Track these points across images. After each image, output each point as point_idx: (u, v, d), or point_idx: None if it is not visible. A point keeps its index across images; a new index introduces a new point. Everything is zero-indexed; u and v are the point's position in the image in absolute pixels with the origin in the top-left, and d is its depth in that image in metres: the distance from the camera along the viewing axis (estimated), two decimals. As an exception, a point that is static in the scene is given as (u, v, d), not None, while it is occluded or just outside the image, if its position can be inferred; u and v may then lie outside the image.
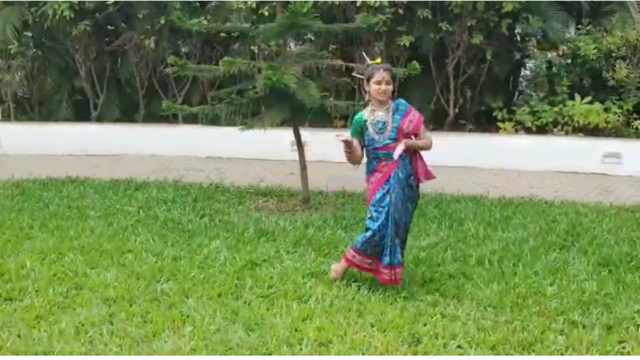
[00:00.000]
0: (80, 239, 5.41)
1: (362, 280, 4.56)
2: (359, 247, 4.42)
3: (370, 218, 4.38)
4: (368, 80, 4.36)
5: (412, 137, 4.34)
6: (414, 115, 4.41)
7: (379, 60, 4.62)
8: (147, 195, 6.83)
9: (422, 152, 4.43)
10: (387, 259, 4.32)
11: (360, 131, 4.38)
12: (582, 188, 7.31)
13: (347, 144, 4.23)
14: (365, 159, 4.48)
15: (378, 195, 4.34)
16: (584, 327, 3.86)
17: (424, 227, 5.76)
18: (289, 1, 7.42)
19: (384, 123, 4.33)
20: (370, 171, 4.44)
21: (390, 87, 4.35)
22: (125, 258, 4.99)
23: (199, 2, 9.42)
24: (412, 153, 4.37)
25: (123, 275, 4.63)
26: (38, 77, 10.10)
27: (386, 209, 4.31)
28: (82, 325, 3.88)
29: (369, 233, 4.36)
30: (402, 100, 4.47)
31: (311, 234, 5.59)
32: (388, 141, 4.31)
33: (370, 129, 4.34)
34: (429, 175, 4.44)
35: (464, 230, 5.68)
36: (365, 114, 4.39)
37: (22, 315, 4.00)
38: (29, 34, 9.41)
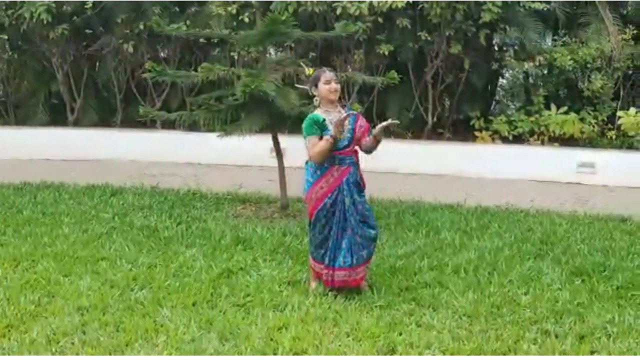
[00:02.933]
0: (54, 246, 5.33)
1: (338, 289, 4.55)
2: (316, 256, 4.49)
3: (315, 221, 4.42)
4: (316, 85, 4.43)
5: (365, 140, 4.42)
6: (363, 120, 4.54)
7: (312, 70, 4.74)
8: (123, 202, 6.76)
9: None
10: (327, 260, 4.39)
11: (320, 130, 4.33)
12: (557, 197, 7.39)
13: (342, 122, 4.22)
14: (310, 162, 4.44)
15: (328, 202, 4.38)
16: (557, 336, 3.90)
17: (401, 235, 5.78)
18: (269, 8, 7.46)
19: None
20: (320, 174, 4.41)
21: (339, 86, 4.44)
22: (99, 266, 4.93)
23: (178, 6, 9.37)
24: (358, 159, 4.50)
25: (97, 283, 4.57)
26: (14, 80, 9.96)
27: (336, 213, 4.37)
28: (54, 334, 3.82)
29: (314, 236, 4.45)
30: (351, 108, 4.61)
31: (289, 241, 5.58)
32: (346, 142, 4.40)
33: (332, 129, 4.29)
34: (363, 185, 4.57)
35: (440, 238, 5.71)
36: (319, 113, 4.40)
37: (-8, 324, 3.93)
38: (5, 36, 9.28)
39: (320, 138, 4.31)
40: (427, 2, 8.20)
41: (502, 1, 8.14)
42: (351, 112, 4.47)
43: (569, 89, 9.20)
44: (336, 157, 4.39)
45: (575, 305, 4.36)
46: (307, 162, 4.50)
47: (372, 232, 4.48)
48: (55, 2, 8.67)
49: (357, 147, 4.51)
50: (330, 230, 4.41)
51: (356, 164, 4.51)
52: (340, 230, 4.40)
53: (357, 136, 4.44)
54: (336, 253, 4.40)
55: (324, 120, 4.34)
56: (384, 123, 4.33)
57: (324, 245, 4.45)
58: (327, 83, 4.38)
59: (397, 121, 4.48)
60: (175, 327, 3.93)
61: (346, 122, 4.30)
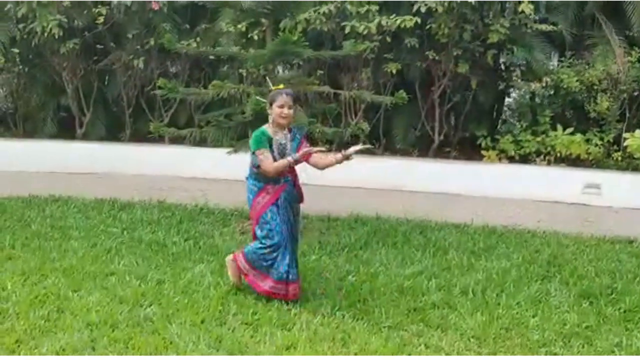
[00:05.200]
0: (62, 260, 5.36)
1: (347, 308, 4.57)
2: (248, 256, 4.68)
3: (264, 236, 4.58)
4: (271, 104, 4.60)
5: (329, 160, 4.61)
6: (305, 147, 4.64)
7: (281, 85, 4.88)
8: (131, 216, 6.79)
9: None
10: (281, 275, 4.57)
11: (267, 145, 4.54)
12: (563, 218, 7.40)
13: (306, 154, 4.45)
14: (249, 178, 4.70)
15: (268, 215, 4.57)
16: (565, 360, 3.91)
17: (409, 255, 5.79)
18: (278, 27, 7.54)
19: (285, 145, 4.60)
20: (257, 190, 4.63)
21: (292, 111, 4.59)
22: (108, 281, 4.96)
23: (188, 23, 9.47)
24: (294, 176, 4.71)
25: (106, 299, 4.60)
26: (23, 93, 10.01)
27: (277, 228, 4.56)
28: (64, 350, 3.85)
29: (259, 248, 4.61)
30: (300, 128, 4.78)
31: (296, 259, 5.59)
32: None
33: (275, 148, 4.56)
34: (301, 199, 4.81)
35: (448, 259, 5.72)
36: (268, 131, 4.58)
37: (2, 339, 3.95)
38: (16, 50, 9.36)
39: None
40: (435, 22, 8.26)
41: (510, 22, 8.21)
42: (302, 132, 4.74)
43: (575, 110, 9.22)
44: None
45: (583, 328, 4.37)
46: (247, 178, 4.71)
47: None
48: (66, 17, 8.77)
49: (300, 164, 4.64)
50: (278, 248, 4.58)
51: (292, 181, 4.70)
52: (290, 244, 4.63)
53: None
54: (291, 266, 4.60)
55: (271, 138, 4.55)
56: (358, 147, 4.49)
57: (267, 259, 4.59)
58: (280, 107, 4.56)
59: (369, 145, 4.62)
60: (184, 344, 3.95)
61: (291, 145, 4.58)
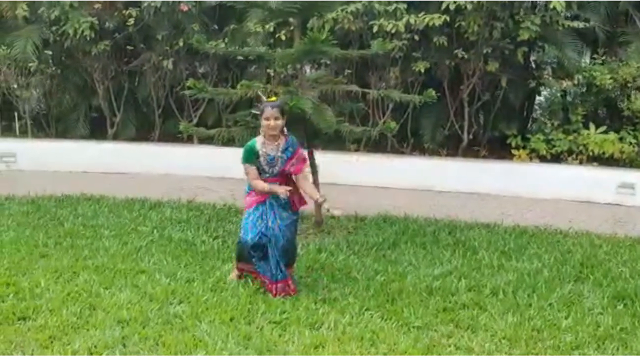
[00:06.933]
0: (94, 258, 5.44)
1: (375, 308, 4.54)
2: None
3: (244, 231, 4.83)
4: (260, 116, 4.78)
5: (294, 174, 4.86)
6: (299, 158, 4.88)
7: (274, 97, 5.07)
8: (161, 215, 6.86)
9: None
10: (270, 274, 4.79)
11: (253, 159, 4.80)
12: (596, 218, 7.25)
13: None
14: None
15: (254, 215, 4.81)
16: (599, 363, 3.83)
17: (437, 255, 5.74)
18: (306, 26, 7.53)
19: (274, 157, 4.79)
20: (249, 190, 4.93)
21: (279, 123, 4.74)
22: (138, 279, 5.01)
23: (217, 24, 9.53)
24: (289, 184, 4.83)
25: (136, 297, 4.65)
26: (56, 94, 10.20)
27: (260, 229, 4.78)
28: (95, 347, 3.90)
29: (239, 243, 4.92)
30: (293, 141, 4.87)
31: (324, 258, 5.59)
32: (275, 171, 4.80)
33: (262, 160, 4.78)
34: (302, 202, 4.98)
35: (477, 259, 5.65)
36: (258, 144, 4.80)
37: (36, 336, 4.02)
38: (49, 52, 9.55)
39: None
40: (464, 20, 8.17)
41: (541, 19, 8.08)
42: (296, 145, 4.87)
43: (609, 108, 9.04)
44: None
45: (618, 331, 4.27)
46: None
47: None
48: (98, 19, 8.91)
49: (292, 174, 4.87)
50: (259, 246, 4.79)
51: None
52: (274, 246, 4.79)
53: (287, 170, 4.84)
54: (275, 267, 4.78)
55: (258, 151, 4.76)
56: (334, 211, 4.81)
57: (252, 254, 4.82)
58: (267, 120, 4.73)
59: (338, 214, 4.99)
60: (213, 342, 3.97)
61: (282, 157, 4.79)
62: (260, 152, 4.77)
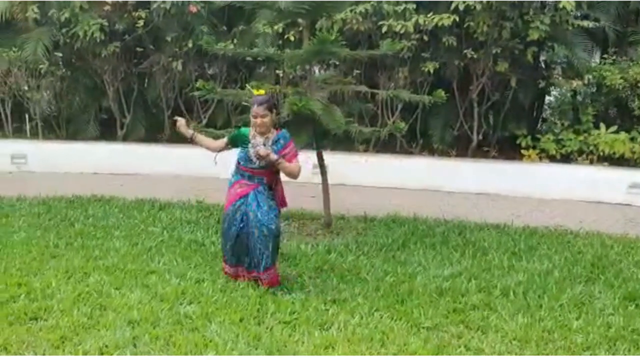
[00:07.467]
0: (105, 259, 5.47)
1: (385, 309, 4.54)
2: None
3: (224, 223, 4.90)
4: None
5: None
6: (290, 150, 4.81)
7: (262, 91, 5.06)
8: (171, 216, 6.89)
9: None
10: (250, 266, 4.88)
11: (237, 143, 4.87)
12: (607, 218, 7.21)
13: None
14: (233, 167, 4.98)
15: (235, 206, 4.82)
16: (611, 364, 3.81)
17: (447, 256, 5.72)
18: (315, 27, 7.54)
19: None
20: (233, 181, 4.93)
21: (266, 120, 4.71)
22: (149, 279, 5.03)
23: (225, 25, 9.56)
24: (274, 181, 4.88)
25: (147, 297, 4.66)
26: (66, 96, 10.26)
27: (238, 221, 4.80)
28: (106, 347, 3.91)
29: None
30: (285, 134, 4.85)
31: (333, 259, 5.59)
32: (262, 165, 4.75)
33: (252, 151, 4.73)
34: (283, 204, 5.02)
35: (487, 259, 5.63)
36: (250, 134, 4.80)
37: (47, 336, 4.04)
38: (59, 54, 9.61)
39: (228, 145, 4.98)
40: (473, 20, 8.15)
41: (550, 19, 8.04)
42: (287, 140, 4.83)
43: (619, 108, 8.99)
44: (245, 174, 4.85)
45: (629, 332, 4.24)
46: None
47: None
48: (107, 21, 8.96)
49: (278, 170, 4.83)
50: (235, 238, 4.86)
51: (266, 185, 4.85)
52: (253, 238, 4.81)
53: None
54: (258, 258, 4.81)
55: (249, 141, 4.76)
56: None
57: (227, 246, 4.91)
58: (254, 117, 4.73)
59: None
60: (223, 342, 3.98)
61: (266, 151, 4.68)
62: (251, 142, 4.76)
